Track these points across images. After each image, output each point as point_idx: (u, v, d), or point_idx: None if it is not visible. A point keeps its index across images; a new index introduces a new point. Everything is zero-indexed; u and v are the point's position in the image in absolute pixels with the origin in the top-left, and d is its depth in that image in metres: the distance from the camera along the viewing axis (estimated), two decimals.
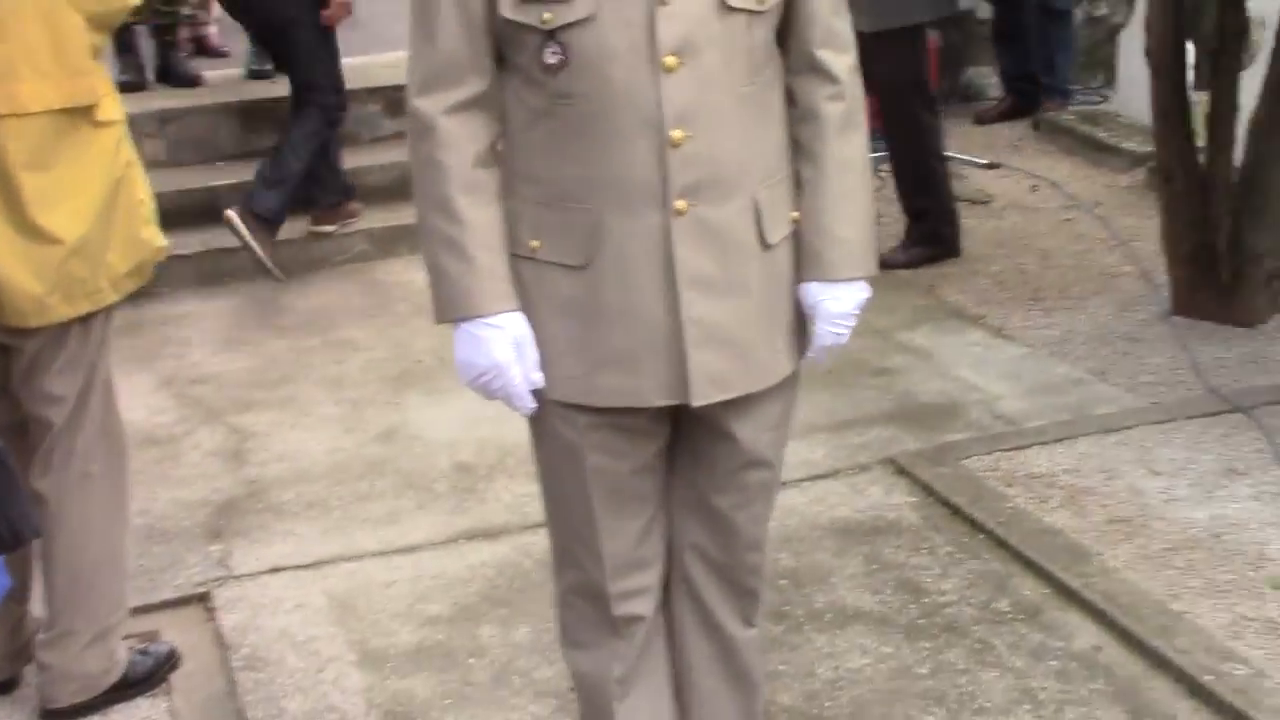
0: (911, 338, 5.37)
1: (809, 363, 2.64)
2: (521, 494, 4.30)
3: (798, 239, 2.54)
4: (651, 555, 2.67)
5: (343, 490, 4.43)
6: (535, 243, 2.46)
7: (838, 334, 2.57)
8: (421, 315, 5.65)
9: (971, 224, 6.33)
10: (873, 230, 2.59)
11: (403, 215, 6.37)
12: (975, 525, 4.03)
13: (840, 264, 2.53)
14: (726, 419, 2.56)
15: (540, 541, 3.98)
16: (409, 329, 5.61)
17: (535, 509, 4.11)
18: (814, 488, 4.30)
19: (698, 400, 2.48)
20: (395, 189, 6.48)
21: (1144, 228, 6.06)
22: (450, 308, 2.48)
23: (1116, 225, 6.26)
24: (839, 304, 2.54)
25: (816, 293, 2.53)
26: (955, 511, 4.11)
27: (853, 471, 4.41)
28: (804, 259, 2.54)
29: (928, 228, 6.00)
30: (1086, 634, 3.55)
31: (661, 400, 2.49)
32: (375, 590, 3.88)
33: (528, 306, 2.49)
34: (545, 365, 2.49)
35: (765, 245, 2.49)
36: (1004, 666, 3.44)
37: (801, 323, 2.59)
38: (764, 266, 2.50)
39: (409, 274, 6.08)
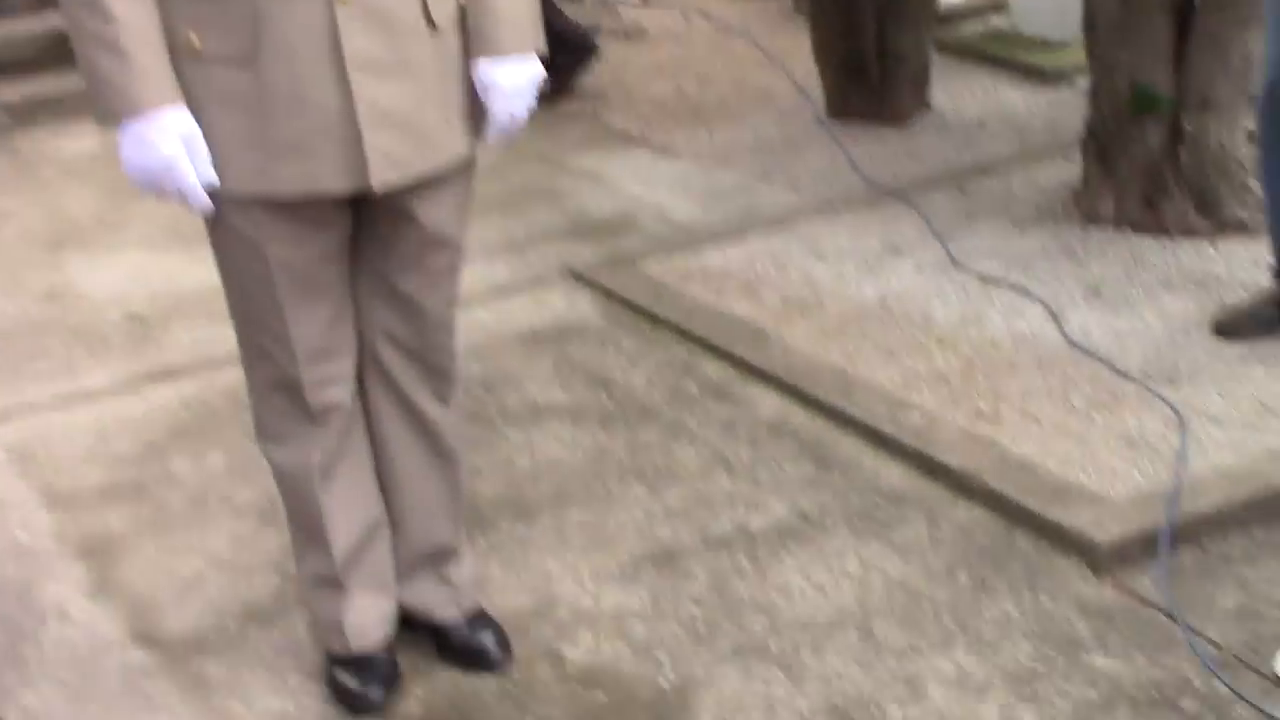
0: (580, 161, 5.40)
1: (489, 140, 2.62)
2: (201, 336, 4.19)
3: (467, 21, 2.53)
4: (342, 342, 2.65)
5: (7, 351, 4.24)
6: (195, 39, 2.39)
7: (513, 112, 2.57)
8: (71, 178, 5.45)
9: (629, 56, 6.40)
10: (537, 7, 2.60)
11: (40, 86, 6.15)
12: (658, 320, 4.11)
13: (508, 40, 2.53)
14: (408, 201, 2.54)
15: (225, 377, 3.92)
16: (58, 193, 5.38)
17: (216, 348, 4.05)
18: (497, 303, 4.32)
19: (377, 183, 2.45)
20: (29, 61, 6.26)
21: (794, 48, 6.20)
22: (112, 110, 2.38)
23: (768, 46, 6.41)
24: (511, 79, 2.54)
25: (487, 70, 2.53)
26: (637, 310, 4.19)
27: (534, 285, 4.44)
28: (473, 39, 2.53)
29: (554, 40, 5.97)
30: (772, 404, 3.67)
31: (341, 186, 2.45)
32: (55, 438, 3.75)
33: (194, 104, 2.41)
34: (218, 161, 2.43)
35: (432, 26, 2.47)
36: (697, 440, 3.54)
37: (477, 106, 2.58)
38: (433, 48, 2.48)
39: (53, 142, 5.84)
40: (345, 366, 2.66)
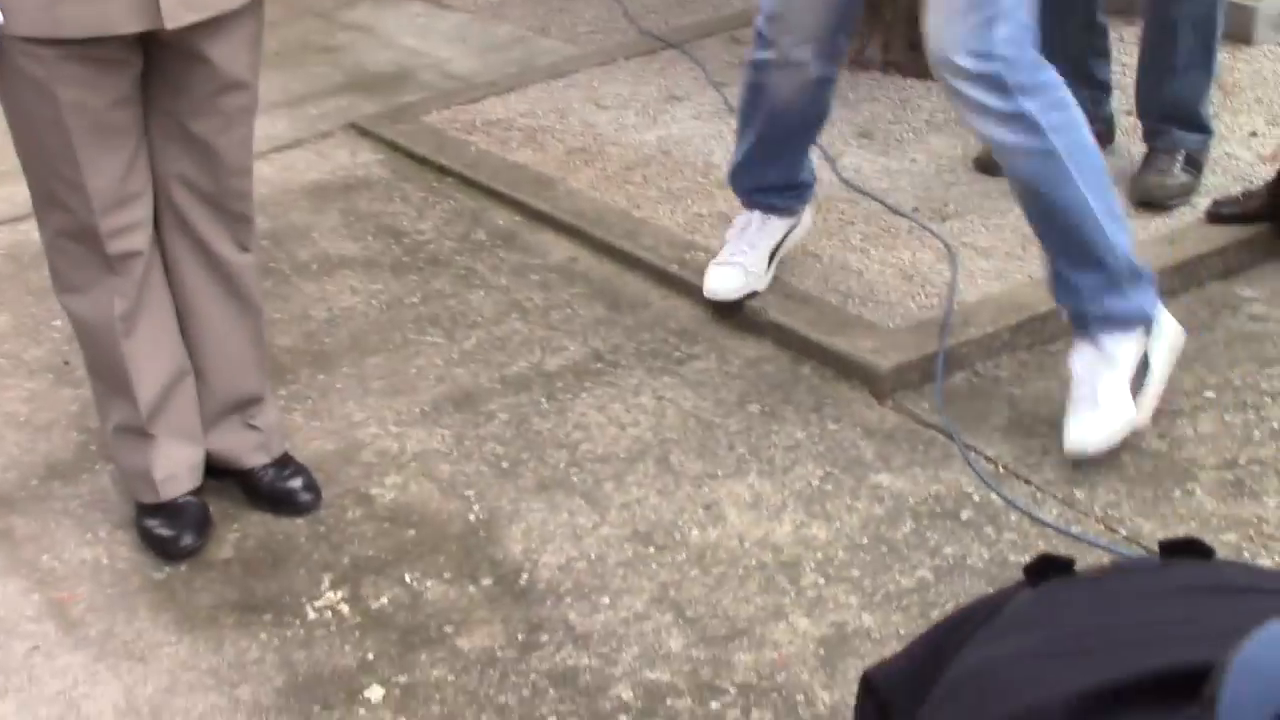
0: (353, 16, 5.36)
1: None
2: None
3: None
4: (138, 189, 2.63)
5: None
6: None
7: None
8: None
9: None
10: None
11: None
12: (443, 170, 4.15)
13: None
14: (199, 42, 2.53)
15: (4, 237, 3.85)
16: None
17: None
18: (280, 158, 4.30)
19: (171, 23, 2.44)
20: None
21: None
22: None
23: None
24: None
25: None
26: (422, 161, 4.21)
27: (316, 139, 4.42)
28: None
29: None
30: (561, 249, 3.75)
31: (134, 26, 2.43)
32: None
33: None
34: (3, 1, 2.39)
35: None
36: (490, 286, 3.61)
37: None
38: None
39: None
40: (142, 212, 2.65)
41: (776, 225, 3.43)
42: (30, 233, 3.86)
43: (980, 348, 3.23)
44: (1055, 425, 2.97)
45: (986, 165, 3.92)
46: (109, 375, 2.74)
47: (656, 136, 4.26)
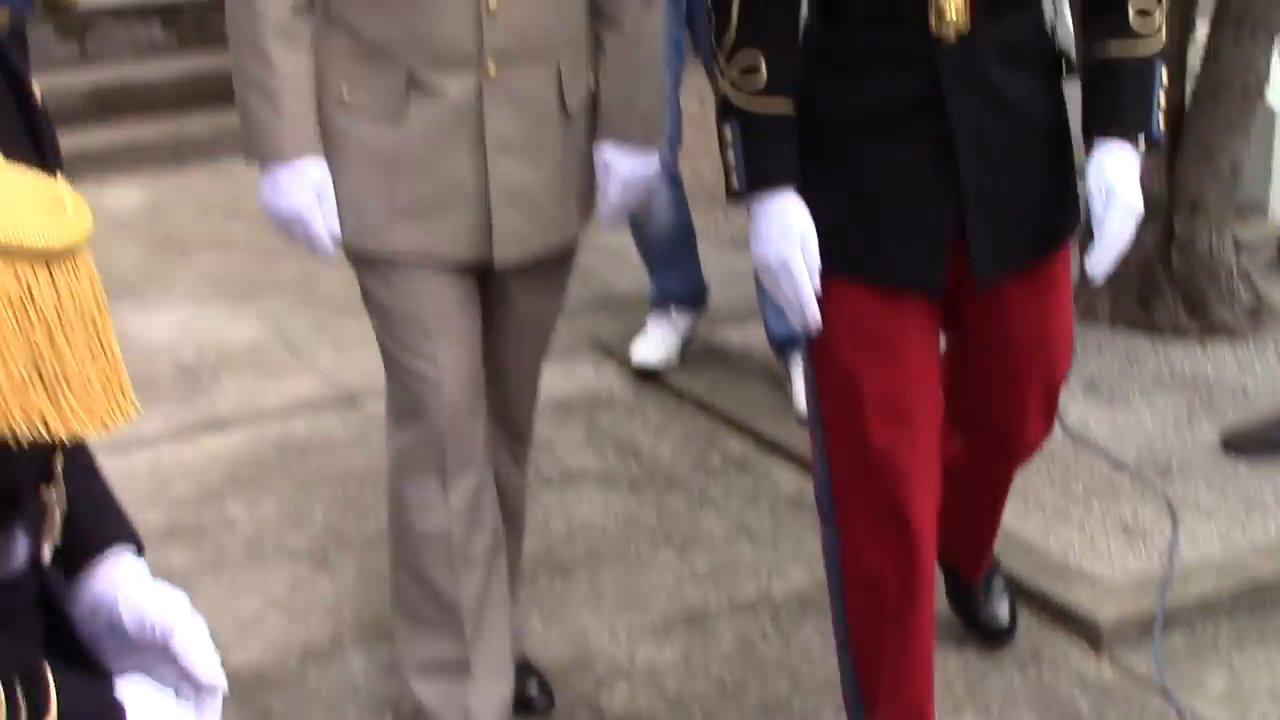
0: (604, 239, 5.64)
1: (602, 220, 2.81)
2: (248, 388, 4.43)
3: (596, 105, 2.70)
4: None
5: None
6: (346, 92, 2.57)
7: (626, 199, 2.74)
8: (116, 232, 5.68)
9: None
10: (662, 105, 2.79)
11: (83, 139, 6.33)
12: (682, 394, 4.36)
13: (637, 131, 2.71)
14: (513, 285, 2.72)
15: (275, 428, 4.15)
16: (104, 247, 5.55)
17: (264, 400, 4.28)
18: None
19: (500, 259, 2.62)
20: (72, 114, 6.44)
21: None
22: (256, 150, 2.60)
23: None
24: (632, 167, 2.71)
25: (610, 154, 2.70)
26: (662, 383, 4.43)
27: (564, 356, 4.66)
28: (603, 122, 2.70)
29: None
30: (791, 478, 3.91)
31: (460, 254, 2.62)
32: (116, 481, 3.93)
33: (335, 153, 2.59)
34: (348, 211, 2.60)
35: (566, 112, 2.65)
36: (722, 509, 3.79)
37: (589, 187, 2.75)
38: (565, 133, 2.66)
39: (97, 195, 6.05)
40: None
41: None
42: (298, 426, 4.18)
43: (1200, 609, 3.29)
44: (1276, 697, 3.01)
45: (1235, 443, 3.93)
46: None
47: None
